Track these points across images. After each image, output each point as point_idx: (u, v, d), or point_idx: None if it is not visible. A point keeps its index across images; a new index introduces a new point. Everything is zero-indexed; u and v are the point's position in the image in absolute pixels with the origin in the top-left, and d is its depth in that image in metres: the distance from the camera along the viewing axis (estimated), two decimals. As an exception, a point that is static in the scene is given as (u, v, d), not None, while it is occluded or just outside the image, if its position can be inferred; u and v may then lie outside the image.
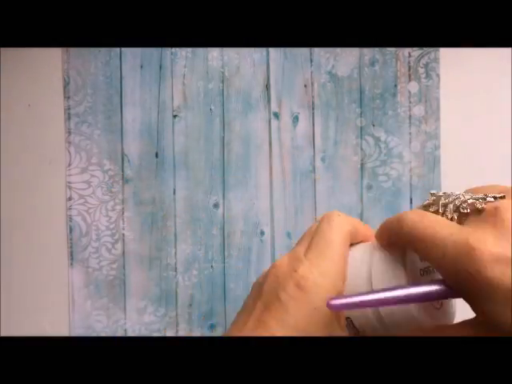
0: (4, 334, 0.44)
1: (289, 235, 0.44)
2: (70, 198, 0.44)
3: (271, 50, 0.44)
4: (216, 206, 0.44)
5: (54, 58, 0.43)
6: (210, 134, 0.44)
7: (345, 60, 0.44)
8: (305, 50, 0.44)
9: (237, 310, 0.45)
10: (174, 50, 0.44)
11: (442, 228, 0.26)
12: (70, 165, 0.44)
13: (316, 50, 0.44)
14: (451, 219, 0.27)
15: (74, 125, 0.43)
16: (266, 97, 0.44)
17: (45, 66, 0.43)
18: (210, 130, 0.44)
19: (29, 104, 0.43)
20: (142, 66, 0.44)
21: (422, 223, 0.27)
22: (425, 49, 0.44)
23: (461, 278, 0.25)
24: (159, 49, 0.44)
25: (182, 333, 0.44)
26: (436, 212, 0.28)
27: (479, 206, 0.26)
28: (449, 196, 0.28)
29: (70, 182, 0.44)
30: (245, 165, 0.44)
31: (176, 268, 0.44)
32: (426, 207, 0.28)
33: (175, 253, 0.44)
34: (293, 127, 0.44)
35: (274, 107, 0.44)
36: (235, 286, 0.44)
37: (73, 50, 0.43)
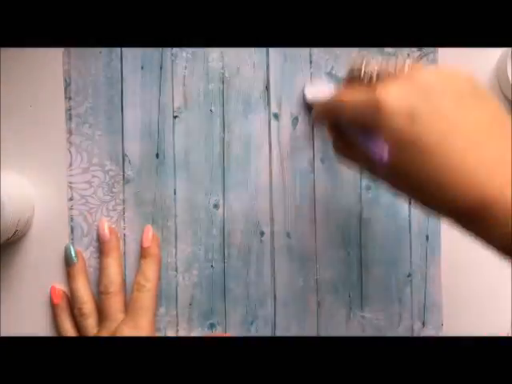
0: (4, 334, 0.44)
1: (289, 235, 0.45)
2: (71, 198, 0.44)
3: (271, 51, 0.44)
4: (216, 206, 0.44)
5: (55, 59, 0.44)
6: (210, 135, 0.44)
7: (344, 61, 0.44)
8: (304, 52, 0.44)
9: (237, 310, 0.45)
10: (174, 51, 0.44)
11: (359, 94, 0.30)
12: (71, 165, 0.44)
13: (315, 51, 0.44)
14: (370, 79, 0.31)
15: (75, 125, 0.44)
16: (266, 98, 0.44)
17: (45, 66, 0.44)
18: (211, 130, 0.44)
19: (30, 105, 0.43)
20: (142, 68, 0.44)
21: (339, 99, 0.31)
22: (423, 50, 0.44)
23: (370, 125, 0.29)
24: (160, 50, 0.44)
25: (182, 332, 0.44)
26: (358, 73, 0.31)
27: (394, 69, 0.30)
28: (369, 58, 0.31)
29: (71, 183, 0.44)
30: (245, 165, 0.44)
31: (176, 268, 0.44)
32: (351, 70, 0.32)
33: (175, 252, 0.44)
34: (292, 128, 0.44)
35: (273, 108, 0.44)
36: (235, 285, 0.44)
37: (74, 52, 0.43)
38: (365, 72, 0.31)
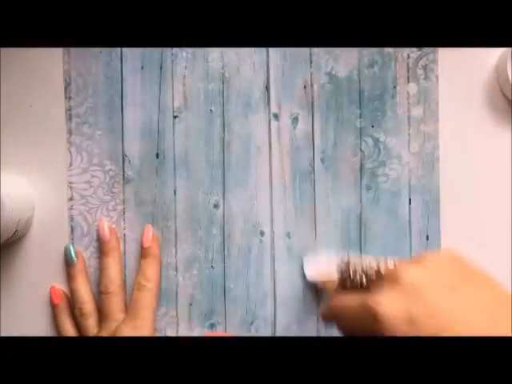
0: (4, 334, 0.44)
1: (289, 235, 0.45)
2: (71, 198, 0.44)
3: (271, 51, 0.44)
4: (216, 206, 0.44)
5: (55, 59, 0.44)
6: (210, 135, 0.44)
7: (344, 61, 0.44)
8: (304, 52, 0.44)
9: (237, 310, 0.45)
10: (174, 51, 0.44)
11: (354, 300, 0.32)
12: (71, 165, 0.44)
13: (315, 51, 0.44)
14: (361, 284, 0.33)
15: (75, 125, 0.44)
16: (266, 98, 0.44)
17: (45, 66, 0.44)
18: (211, 130, 0.44)
19: (30, 105, 0.43)
20: (142, 67, 0.44)
21: (338, 304, 0.33)
22: (423, 50, 0.44)
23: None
24: (160, 50, 0.44)
25: (182, 332, 0.44)
26: (348, 277, 0.33)
27: (381, 270, 0.32)
28: (355, 263, 0.33)
29: (71, 183, 0.44)
30: (245, 165, 0.44)
31: (176, 267, 0.44)
32: (341, 273, 0.34)
33: (175, 252, 0.44)
34: (292, 128, 0.44)
35: (273, 108, 0.44)
36: (235, 285, 0.44)
37: (74, 51, 0.43)
38: (354, 277, 0.33)
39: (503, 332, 0.28)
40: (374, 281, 0.32)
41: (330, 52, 0.44)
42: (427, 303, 0.29)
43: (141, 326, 0.41)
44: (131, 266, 0.44)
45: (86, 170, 0.44)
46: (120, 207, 0.44)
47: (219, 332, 0.44)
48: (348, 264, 0.34)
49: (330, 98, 0.45)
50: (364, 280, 0.33)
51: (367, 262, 0.33)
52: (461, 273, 0.31)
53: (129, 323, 0.41)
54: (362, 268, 0.33)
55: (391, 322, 0.29)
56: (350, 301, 0.32)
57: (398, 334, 0.29)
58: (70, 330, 0.43)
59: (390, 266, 0.32)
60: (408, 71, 0.45)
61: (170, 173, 0.44)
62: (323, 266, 0.44)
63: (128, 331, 0.41)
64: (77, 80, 0.44)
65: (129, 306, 0.42)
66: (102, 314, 0.42)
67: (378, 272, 0.32)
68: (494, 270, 0.45)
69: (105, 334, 0.41)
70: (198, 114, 0.44)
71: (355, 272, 0.33)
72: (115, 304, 0.42)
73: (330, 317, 0.36)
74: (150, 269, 0.42)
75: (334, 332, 0.45)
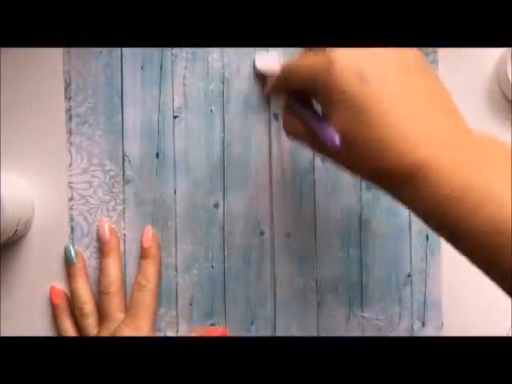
0: (4, 334, 0.44)
1: (289, 235, 0.45)
2: (71, 198, 0.44)
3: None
4: (216, 206, 0.44)
5: (55, 59, 0.44)
6: (210, 135, 0.44)
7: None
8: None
9: (237, 310, 0.45)
10: (174, 51, 0.44)
11: (312, 56, 0.31)
12: (71, 165, 0.44)
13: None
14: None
15: (75, 125, 0.44)
16: (266, 98, 0.44)
17: (46, 67, 0.44)
18: (211, 130, 0.44)
19: (30, 105, 0.43)
20: (142, 67, 0.44)
21: (299, 62, 0.33)
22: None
23: (320, 86, 0.30)
24: (160, 50, 0.44)
25: (182, 332, 0.44)
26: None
27: None
28: None
29: (71, 183, 0.44)
30: (245, 165, 0.44)
31: (176, 268, 0.44)
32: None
33: (175, 252, 0.44)
34: (292, 128, 0.44)
35: (273, 108, 0.44)
36: (235, 285, 0.44)
37: (74, 52, 0.43)
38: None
39: (437, 122, 0.29)
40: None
41: (330, 52, 0.44)
42: (382, 69, 0.29)
43: (140, 326, 0.41)
44: (131, 266, 0.44)
45: (86, 170, 0.44)
46: (120, 207, 0.44)
47: (217, 328, 0.44)
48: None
49: (330, 98, 0.44)
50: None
51: None
52: (418, 61, 0.31)
53: (129, 323, 0.41)
54: None
55: (344, 72, 0.29)
56: (307, 58, 0.32)
57: (345, 87, 0.28)
58: (70, 330, 0.43)
59: None
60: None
61: (170, 173, 0.44)
62: (274, 59, 0.44)
63: (128, 331, 0.41)
64: (77, 80, 0.44)
65: (129, 306, 0.42)
66: (101, 314, 0.42)
67: None
68: (494, 270, 0.45)
69: (105, 334, 0.41)
70: (198, 114, 0.44)
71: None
72: (115, 304, 0.42)
73: (279, 80, 0.35)
74: (150, 269, 0.43)
75: (334, 332, 0.45)
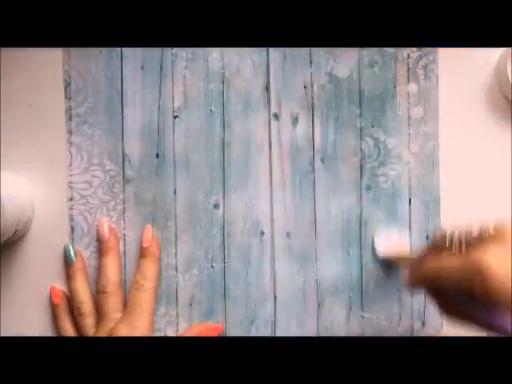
0: (4, 334, 0.44)
1: (289, 235, 0.45)
2: (71, 198, 0.44)
3: (271, 51, 0.44)
4: (216, 206, 0.44)
5: (55, 59, 0.44)
6: (210, 135, 0.44)
7: (344, 61, 0.44)
8: (304, 52, 0.44)
9: (237, 310, 0.45)
10: (174, 51, 0.44)
11: (454, 259, 0.30)
12: (71, 165, 0.44)
13: (315, 51, 0.44)
14: (460, 250, 0.31)
15: (75, 125, 0.44)
16: (266, 98, 0.44)
17: (46, 66, 0.44)
18: (211, 130, 0.44)
19: (30, 105, 0.43)
20: (142, 67, 0.44)
21: (432, 266, 0.32)
22: (423, 50, 0.44)
23: (477, 290, 0.29)
24: (160, 50, 0.44)
25: (182, 332, 0.44)
26: (444, 247, 0.32)
27: (484, 232, 0.31)
28: (451, 233, 0.32)
29: (71, 182, 0.44)
30: (245, 165, 0.44)
31: (176, 268, 0.44)
32: (434, 243, 0.33)
33: (175, 252, 0.44)
34: (292, 128, 0.44)
35: (273, 108, 0.44)
36: (235, 285, 0.44)
37: (74, 51, 0.43)
38: (452, 240, 0.32)
39: None
40: (475, 244, 0.31)
41: (330, 52, 0.44)
42: None
43: (138, 326, 0.41)
44: (131, 266, 0.44)
45: (86, 170, 0.44)
46: (120, 207, 0.44)
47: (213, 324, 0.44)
48: (444, 235, 0.33)
49: (330, 98, 0.45)
50: (463, 247, 0.31)
51: (464, 230, 0.32)
52: None
53: (126, 322, 0.41)
54: (460, 236, 0.32)
55: (498, 278, 0.28)
56: (447, 262, 0.31)
57: (505, 291, 0.28)
58: (70, 330, 0.43)
59: (491, 229, 0.31)
60: (408, 71, 0.45)
61: (170, 173, 0.44)
62: (394, 241, 0.44)
63: (125, 330, 0.41)
64: (77, 80, 0.44)
65: (127, 305, 0.42)
66: (99, 314, 0.42)
67: (478, 237, 0.31)
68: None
69: (102, 333, 0.41)
70: (198, 114, 0.44)
71: (452, 241, 0.32)
72: (113, 303, 0.42)
73: (419, 281, 0.34)
74: (149, 268, 0.42)
75: (334, 332, 0.45)
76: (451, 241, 0.32)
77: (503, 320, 0.29)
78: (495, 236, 0.30)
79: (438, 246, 0.33)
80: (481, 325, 0.31)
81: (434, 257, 0.33)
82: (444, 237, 0.33)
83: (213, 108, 0.44)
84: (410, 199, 0.45)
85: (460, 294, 0.31)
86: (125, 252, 0.44)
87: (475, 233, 0.31)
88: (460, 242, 0.32)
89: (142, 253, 0.43)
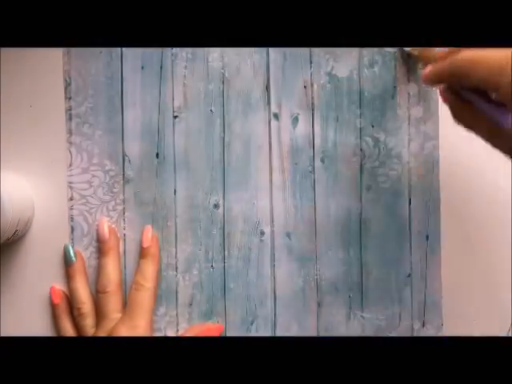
0: (4, 334, 0.44)
1: (289, 235, 0.45)
2: (71, 198, 0.44)
3: (271, 51, 0.44)
4: (216, 206, 0.44)
5: (55, 59, 0.44)
6: (210, 135, 0.44)
7: (344, 61, 0.44)
8: (304, 52, 0.44)
9: (237, 310, 0.45)
10: (174, 51, 0.44)
11: (490, 53, 0.29)
12: (71, 165, 0.44)
13: (316, 51, 0.44)
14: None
15: (75, 125, 0.44)
16: (266, 98, 0.44)
17: (46, 67, 0.44)
18: (211, 130, 0.44)
19: (30, 105, 0.43)
20: (142, 67, 0.44)
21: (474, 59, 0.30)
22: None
23: (504, 85, 0.27)
24: (160, 50, 0.44)
25: (182, 332, 0.44)
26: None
27: None
28: None
29: (71, 182, 0.44)
30: (245, 165, 0.44)
31: (176, 268, 0.44)
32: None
33: (175, 252, 0.44)
34: (292, 128, 0.44)
35: (273, 108, 0.44)
36: (235, 285, 0.44)
37: (74, 52, 0.43)
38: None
39: None
40: None
41: (330, 52, 0.44)
42: None
43: (137, 326, 0.41)
44: (131, 266, 0.44)
45: (85, 170, 0.44)
46: (120, 207, 0.44)
47: (212, 323, 0.44)
48: None
49: (330, 98, 0.45)
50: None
51: None
52: None
53: (126, 322, 0.41)
54: None
55: None
56: (484, 53, 0.29)
57: None
58: (70, 330, 0.43)
59: None
60: (408, 71, 0.45)
61: (170, 173, 0.44)
62: None
63: (125, 331, 0.41)
64: (77, 80, 0.44)
65: (126, 306, 0.42)
66: (99, 314, 0.42)
67: None
68: (494, 270, 0.45)
69: (102, 333, 0.41)
70: (198, 114, 0.44)
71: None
72: (113, 304, 0.42)
73: (444, 73, 0.32)
74: (149, 268, 0.43)
75: (334, 332, 0.45)
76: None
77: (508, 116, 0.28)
78: None
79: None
80: (485, 127, 0.30)
81: (469, 48, 0.31)
82: None
83: (213, 108, 0.44)
84: (409, 199, 0.45)
85: (481, 91, 0.29)
86: (125, 252, 0.44)
87: None
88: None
89: (142, 253, 0.43)
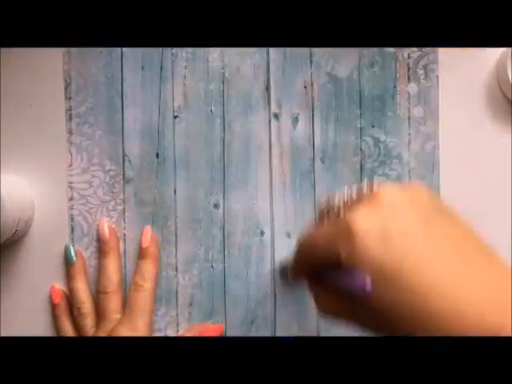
0: (4, 334, 0.44)
1: (289, 235, 0.45)
2: (71, 198, 0.44)
3: (271, 51, 0.44)
4: (216, 206, 0.44)
5: (55, 58, 0.44)
6: (210, 135, 0.44)
7: (344, 61, 0.44)
8: (305, 52, 0.44)
9: (237, 310, 0.45)
10: (174, 51, 0.44)
11: (328, 226, 0.29)
12: (71, 165, 0.44)
13: (316, 51, 0.44)
14: (338, 214, 0.30)
15: (75, 125, 0.44)
16: (266, 98, 0.44)
17: (46, 66, 0.44)
18: (211, 130, 0.44)
19: (30, 105, 0.43)
20: (142, 67, 0.44)
21: (316, 234, 0.30)
22: (424, 50, 0.44)
23: (344, 256, 0.27)
24: (160, 50, 0.44)
25: (182, 332, 0.44)
26: (326, 212, 0.31)
27: (360, 194, 0.29)
28: (331, 197, 0.31)
29: (71, 182, 0.44)
30: (245, 165, 0.44)
31: (176, 268, 0.44)
32: (321, 212, 0.32)
33: (175, 252, 0.44)
34: (292, 128, 0.44)
35: (273, 108, 0.44)
36: (235, 285, 0.44)
37: (74, 52, 0.43)
38: (331, 207, 0.31)
39: (481, 273, 0.26)
40: (352, 206, 0.29)
41: (330, 52, 0.44)
42: (403, 224, 0.27)
43: (137, 327, 0.41)
44: (131, 266, 0.44)
45: (86, 170, 0.44)
46: (120, 207, 0.44)
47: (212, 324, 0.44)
48: (325, 201, 0.31)
49: (330, 98, 0.45)
50: (342, 207, 0.30)
51: (345, 189, 0.30)
52: (434, 203, 0.29)
53: (125, 323, 0.41)
54: (339, 199, 0.30)
55: (364, 238, 0.27)
56: (323, 228, 0.30)
57: (370, 252, 0.26)
58: (70, 330, 0.43)
59: (365, 188, 0.29)
60: (408, 71, 0.45)
61: (170, 173, 0.44)
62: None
63: (124, 331, 0.41)
64: (77, 80, 0.44)
65: (126, 307, 0.42)
66: (99, 314, 0.42)
67: (356, 200, 0.29)
68: (494, 270, 0.45)
69: (102, 333, 0.41)
70: (198, 114, 0.44)
71: (332, 201, 0.31)
72: (113, 304, 0.42)
73: (301, 256, 0.33)
74: (148, 269, 0.43)
75: (334, 332, 0.45)
76: (330, 207, 0.31)
77: (359, 277, 0.26)
78: (369, 197, 0.28)
79: (321, 218, 0.32)
80: (347, 307, 0.30)
81: (309, 230, 0.32)
82: (325, 205, 0.31)
83: (213, 108, 0.44)
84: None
85: (328, 261, 0.29)
86: (125, 252, 0.44)
87: (354, 196, 0.30)
88: (338, 209, 0.30)
89: (141, 253, 0.43)
